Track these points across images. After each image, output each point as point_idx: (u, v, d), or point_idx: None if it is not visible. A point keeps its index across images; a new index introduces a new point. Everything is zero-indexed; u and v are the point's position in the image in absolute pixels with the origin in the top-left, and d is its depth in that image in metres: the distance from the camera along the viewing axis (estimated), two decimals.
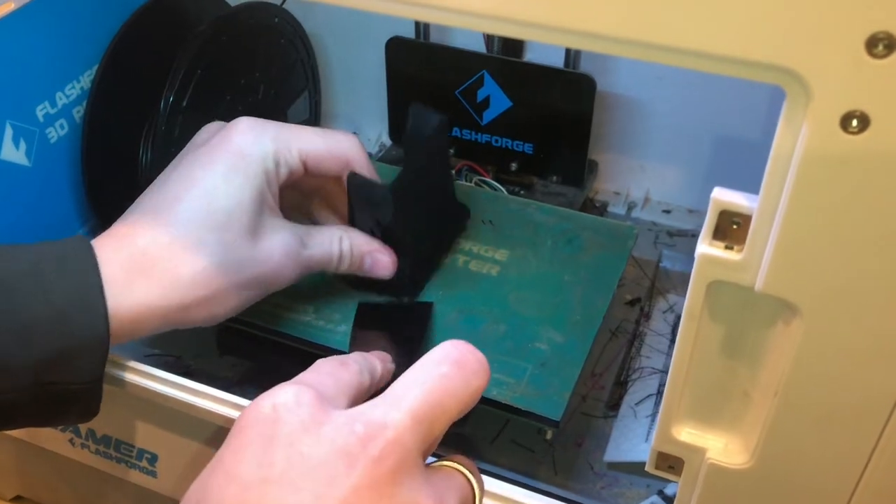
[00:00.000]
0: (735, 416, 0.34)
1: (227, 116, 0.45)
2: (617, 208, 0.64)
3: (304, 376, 0.33)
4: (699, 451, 0.35)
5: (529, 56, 0.59)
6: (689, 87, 0.58)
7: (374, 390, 0.36)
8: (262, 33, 0.57)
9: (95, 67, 0.51)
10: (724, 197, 0.28)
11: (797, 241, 0.27)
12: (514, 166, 0.61)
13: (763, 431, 0.32)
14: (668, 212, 0.63)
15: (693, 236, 0.61)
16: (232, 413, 0.42)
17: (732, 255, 0.29)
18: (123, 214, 0.42)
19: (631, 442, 0.48)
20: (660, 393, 0.50)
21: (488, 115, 0.60)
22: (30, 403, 0.37)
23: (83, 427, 0.49)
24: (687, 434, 0.35)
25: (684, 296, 0.31)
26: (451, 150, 0.62)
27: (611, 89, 0.60)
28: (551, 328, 0.47)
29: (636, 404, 0.50)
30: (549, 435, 0.46)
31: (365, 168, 0.46)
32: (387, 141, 0.67)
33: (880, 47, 0.22)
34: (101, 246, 0.39)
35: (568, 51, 0.57)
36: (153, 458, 0.48)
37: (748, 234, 0.28)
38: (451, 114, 0.61)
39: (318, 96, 0.64)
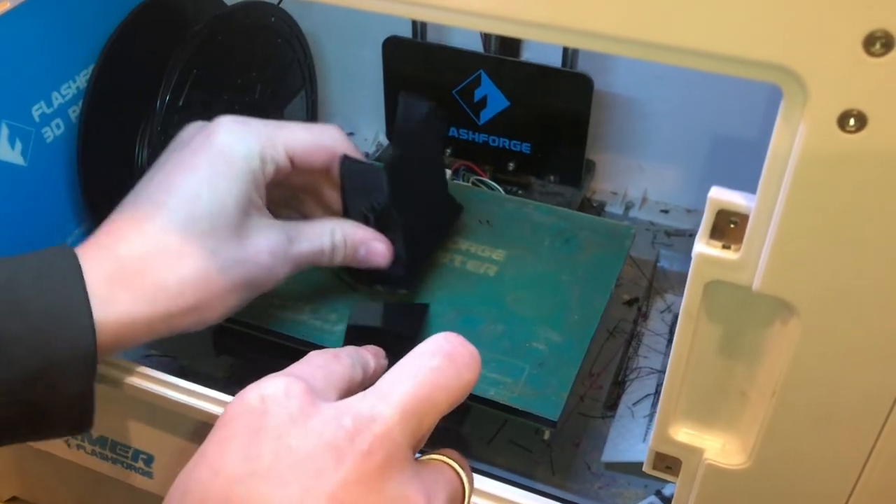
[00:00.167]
0: (732, 416, 0.34)
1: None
2: (614, 208, 0.63)
3: (294, 368, 0.33)
4: (696, 452, 0.35)
5: (527, 55, 0.59)
6: (687, 87, 0.58)
7: (366, 385, 0.35)
8: (259, 33, 0.56)
9: (91, 67, 0.51)
10: (722, 196, 0.28)
11: (794, 240, 0.27)
12: (511, 166, 0.61)
13: (761, 432, 0.32)
14: (665, 211, 0.63)
15: (691, 236, 0.61)
16: None
17: (730, 255, 0.29)
18: (106, 220, 0.41)
19: (628, 442, 0.48)
20: (657, 393, 0.50)
21: (485, 115, 0.60)
22: (17, 419, 0.36)
23: None
24: (684, 434, 0.35)
25: (682, 296, 0.31)
26: (449, 151, 0.62)
27: (608, 89, 0.60)
28: (549, 328, 0.47)
29: (634, 404, 0.50)
30: (546, 435, 0.46)
31: (353, 155, 0.46)
32: (384, 140, 0.66)
33: (878, 46, 0.22)
34: (81, 256, 0.38)
35: (565, 50, 0.57)
36: (149, 459, 0.48)
37: (745, 233, 0.28)
38: (449, 113, 0.61)
39: (315, 96, 0.64)
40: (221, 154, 0.41)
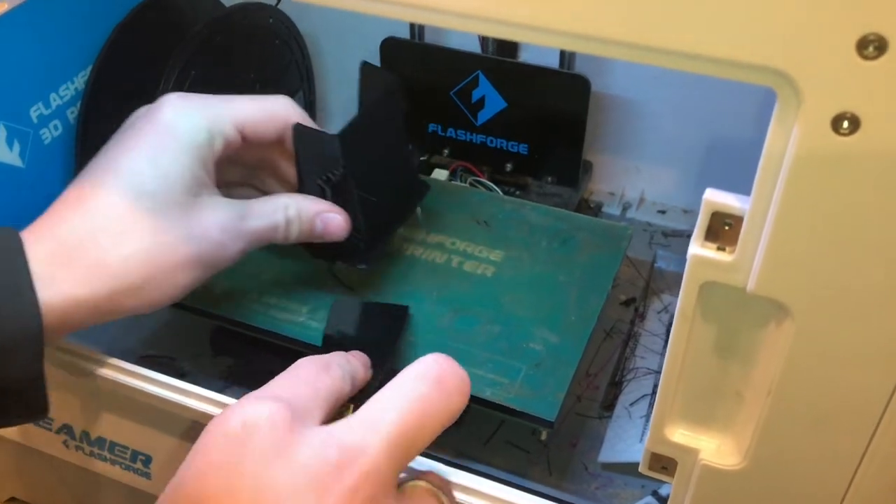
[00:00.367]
0: (728, 416, 0.34)
1: None
2: (612, 209, 0.64)
3: (280, 386, 0.32)
4: (692, 452, 0.35)
5: (524, 57, 0.59)
6: (684, 88, 0.58)
7: (353, 395, 0.35)
8: (257, 34, 0.57)
9: (89, 68, 0.51)
10: (716, 198, 0.28)
11: (788, 242, 0.27)
12: (509, 167, 0.61)
13: (756, 432, 0.32)
14: (663, 212, 0.63)
15: (688, 237, 0.60)
16: None
17: (724, 257, 0.29)
18: (51, 205, 0.40)
19: (625, 442, 0.48)
20: (654, 393, 0.50)
21: (483, 116, 0.60)
22: None
23: (77, 429, 0.49)
24: (680, 435, 0.35)
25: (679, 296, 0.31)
26: (447, 151, 0.62)
27: (606, 90, 0.60)
28: (546, 329, 0.47)
29: (631, 405, 0.50)
30: (543, 435, 0.47)
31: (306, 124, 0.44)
32: None
33: (871, 49, 0.22)
34: (25, 238, 0.37)
35: (563, 52, 0.57)
36: (147, 460, 0.48)
37: (740, 235, 0.28)
38: (446, 115, 0.61)
39: (313, 97, 0.64)
40: (166, 131, 0.40)
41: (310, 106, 0.64)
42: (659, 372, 0.51)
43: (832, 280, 0.27)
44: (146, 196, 0.39)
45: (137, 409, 0.45)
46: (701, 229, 0.29)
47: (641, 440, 0.47)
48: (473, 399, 0.43)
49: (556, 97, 0.57)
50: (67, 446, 0.49)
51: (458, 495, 0.37)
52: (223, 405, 0.41)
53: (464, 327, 0.47)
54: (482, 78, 0.58)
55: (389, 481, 0.28)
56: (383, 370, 0.39)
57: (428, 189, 0.52)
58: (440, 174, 0.61)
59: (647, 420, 0.49)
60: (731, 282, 0.29)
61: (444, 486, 0.32)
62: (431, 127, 0.62)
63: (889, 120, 0.23)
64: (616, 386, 0.52)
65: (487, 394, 0.44)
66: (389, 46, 0.60)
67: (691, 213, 0.62)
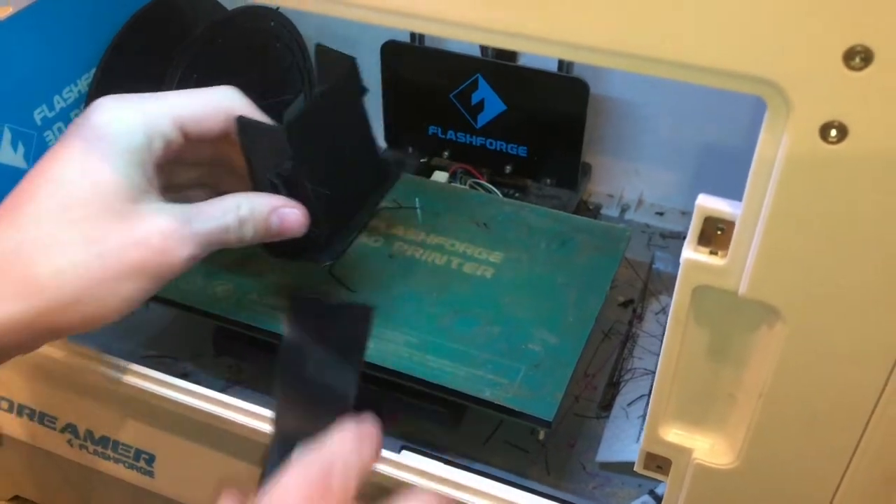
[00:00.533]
0: (721, 417, 0.34)
1: None
2: (610, 210, 0.64)
3: None
4: (686, 452, 0.35)
5: (523, 60, 0.60)
6: (682, 91, 0.58)
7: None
8: (258, 37, 0.57)
9: (93, 71, 0.51)
10: (708, 204, 0.29)
11: (779, 246, 0.27)
12: (508, 169, 0.61)
13: (748, 432, 0.33)
14: (661, 214, 0.63)
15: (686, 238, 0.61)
16: (228, 414, 0.42)
17: (717, 261, 0.29)
18: None
19: (623, 442, 0.48)
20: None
21: (483, 119, 0.61)
22: None
23: (81, 428, 0.49)
24: (674, 435, 0.35)
25: None
26: (447, 154, 0.63)
27: (604, 93, 0.60)
28: (545, 329, 0.47)
29: (628, 405, 0.50)
30: (541, 435, 0.47)
31: (251, 116, 0.41)
32: (382, 144, 0.67)
33: (857, 60, 0.23)
34: None
35: None
36: (150, 459, 0.48)
37: (731, 240, 0.29)
38: (446, 117, 0.61)
39: None
40: (96, 136, 0.38)
41: None
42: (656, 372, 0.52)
43: (822, 283, 0.28)
44: (77, 205, 0.37)
45: (141, 408, 0.45)
46: (694, 234, 0.30)
47: (638, 440, 0.48)
48: (473, 399, 0.44)
49: (555, 100, 0.58)
50: (71, 445, 0.50)
51: (457, 495, 0.37)
52: (225, 405, 0.42)
53: (463, 328, 0.48)
54: (482, 81, 0.59)
55: None
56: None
57: (401, 172, 0.49)
58: (440, 176, 0.61)
59: (644, 420, 0.49)
60: (723, 285, 0.30)
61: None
62: (431, 129, 0.63)
63: (875, 128, 0.24)
64: (614, 386, 0.52)
65: (487, 394, 0.44)
66: (390, 49, 0.60)
67: (689, 214, 0.62)
